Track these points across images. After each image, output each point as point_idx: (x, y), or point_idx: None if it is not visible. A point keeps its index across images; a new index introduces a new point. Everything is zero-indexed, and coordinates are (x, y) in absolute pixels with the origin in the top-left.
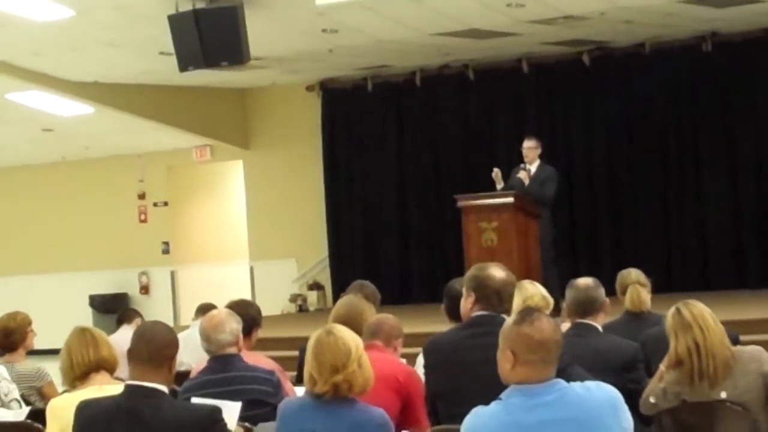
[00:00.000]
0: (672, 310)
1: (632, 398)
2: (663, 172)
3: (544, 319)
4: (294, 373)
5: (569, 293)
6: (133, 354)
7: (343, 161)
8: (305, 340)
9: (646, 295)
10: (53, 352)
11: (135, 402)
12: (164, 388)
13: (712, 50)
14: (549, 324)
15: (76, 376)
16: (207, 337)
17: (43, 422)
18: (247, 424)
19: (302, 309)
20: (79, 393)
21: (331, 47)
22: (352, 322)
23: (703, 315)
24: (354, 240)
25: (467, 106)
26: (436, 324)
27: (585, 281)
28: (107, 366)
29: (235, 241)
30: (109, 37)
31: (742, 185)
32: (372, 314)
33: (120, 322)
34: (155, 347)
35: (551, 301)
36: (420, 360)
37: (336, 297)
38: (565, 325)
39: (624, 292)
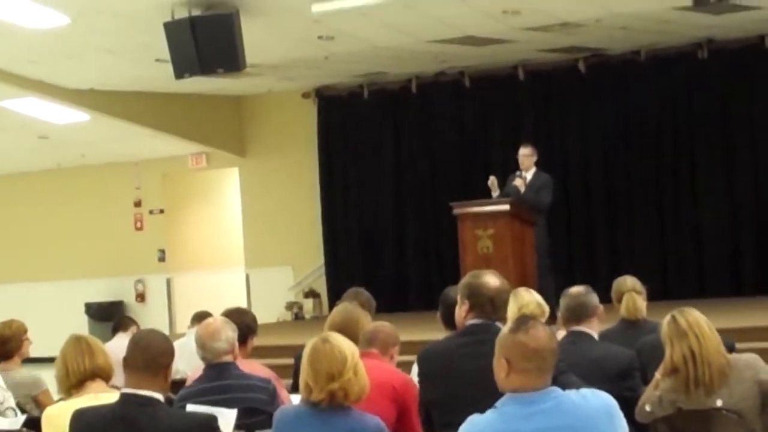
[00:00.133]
0: (667, 317)
1: (628, 406)
2: (659, 179)
3: (540, 328)
4: (290, 381)
5: (562, 301)
6: (128, 362)
7: (339, 168)
8: (301, 348)
9: (641, 303)
10: (49, 360)
11: (130, 410)
12: (160, 396)
13: (708, 57)
14: (544, 332)
15: (72, 385)
16: (203, 345)
17: (39, 430)
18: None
19: (298, 317)
20: (74, 401)
21: (327, 54)
22: (348, 330)
23: (698, 323)
24: (350, 247)
25: (463, 113)
26: (432, 332)
27: (577, 288)
28: (103, 374)
29: (231, 249)
30: (104, 45)
31: (738, 192)
32: (368, 322)
33: (115, 330)
34: (151, 355)
35: (547, 308)
36: (415, 368)
37: (332, 305)
38: (561, 333)
39: (620, 300)
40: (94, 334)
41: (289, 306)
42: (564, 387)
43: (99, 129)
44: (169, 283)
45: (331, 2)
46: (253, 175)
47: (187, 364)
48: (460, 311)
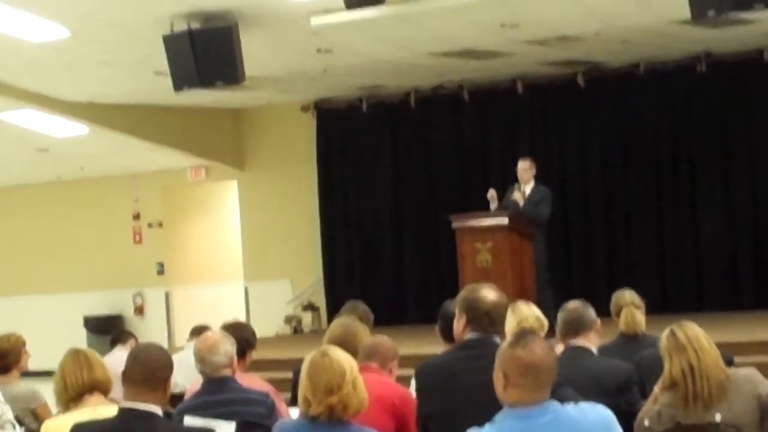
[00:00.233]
0: (666, 332)
1: (626, 420)
2: (657, 192)
3: (538, 343)
4: (289, 395)
5: (559, 316)
6: (127, 376)
7: (338, 181)
8: (300, 361)
9: (640, 317)
10: (47, 374)
11: (129, 424)
12: (158, 410)
13: (706, 70)
14: (542, 348)
15: (70, 398)
16: (201, 359)
17: None
18: None
19: (297, 330)
20: (73, 415)
21: (326, 67)
22: (347, 343)
23: (697, 337)
24: (349, 261)
25: (462, 127)
26: (431, 345)
27: (573, 303)
28: (101, 388)
29: (230, 262)
30: (103, 58)
31: (737, 206)
32: (366, 335)
33: (114, 344)
34: (150, 369)
35: (545, 322)
36: (414, 382)
37: (331, 318)
38: (559, 348)
39: (618, 314)
40: (93, 347)
41: (288, 319)
42: (561, 400)
43: (98, 142)
44: (167, 296)
45: (330, 15)
46: (252, 188)
47: (186, 377)
48: (458, 325)
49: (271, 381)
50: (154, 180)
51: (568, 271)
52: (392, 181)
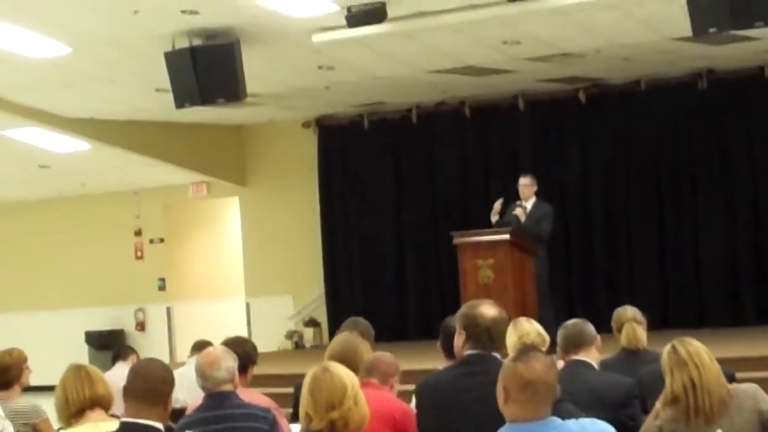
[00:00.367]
0: (668, 347)
1: None
2: (659, 209)
3: (540, 360)
4: (290, 410)
5: (559, 333)
6: (128, 391)
7: (340, 198)
8: (301, 377)
9: (642, 333)
10: (49, 389)
11: None
12: (160, 425)
13: (707, 87)
14: (542, 365)
15: (72, 414)
16: (203, 374)
17: None
18: None
19: (298, 346)
20: (74, 430)
21: (328, 84)
22: (348, 359)
23: (698, 352)
24: (350, 276)
25: (463, 143)
26: (433, 361)
27: (573, 320)
28: (102, 403)
29: (231, 278)
30: (105, 74)
31: (739, 222)
32: (367, 351)
33: (115, 359)
34: (151, 384)
35: (547, 338)
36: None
37: (332, 334)
38: (560, 364)
39: (620, 330)
40: (94, 362)
41: (290, 335)
42: (561, 416)
43: (100, 158)
44: (169, 312)
45: (332, 32)
46: (253, 205)
47: (188, 393)
48: (458, 341)
49: (273, 396)
50: (156, 196)
51: (569, 287)
52: (394, 197)
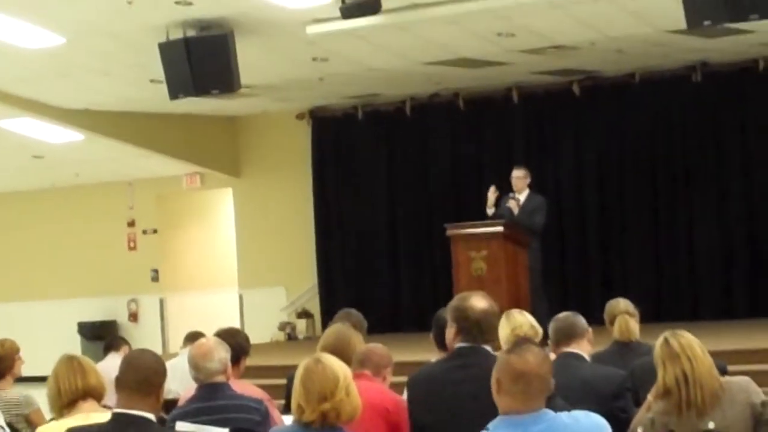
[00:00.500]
0: (660, 340)
1: (620, 427)
2: (652, 201)
3: (533, 352)
4: (282, 402)
5: (551, 326)
6: (120, 382)
7: (333, 189)
8: (294, 368)
9: (634, 325)
10: (41, 380)
11: (122, 430)
12: (152, 416)
13: (702, 80)
14: (536, 358)
15: (64, 404)
16: (195, 366)
17: None
18: None
19: (291, 337)
20: (66, 421)
21: (322, 75)
22: (341, 351)
23: (691, 345)
24: (343, 268)
25: (457, 135)
26: (425, 353)
27: (564, 313)
28: (95, 394)
29: (225, 269)
30: (99, 65)
31: (732, 215)
32: (360, 343)
33: (107, 350)
34: (143, 375)
35: (540, 330)
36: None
37: (325, 325)
38: (552, 357)
39: (612, 322)
40: (87, 353)
41: (282, 326)
42: (553, 410)
43: (93, 149)
44: (162, 302)
45: (326, 24)
46: (247, 196)
47: (180, 384)
48: (449, 334)
49: (265, 387)
50: (149, 187)
51: (562, 280)
52: (387, 189)
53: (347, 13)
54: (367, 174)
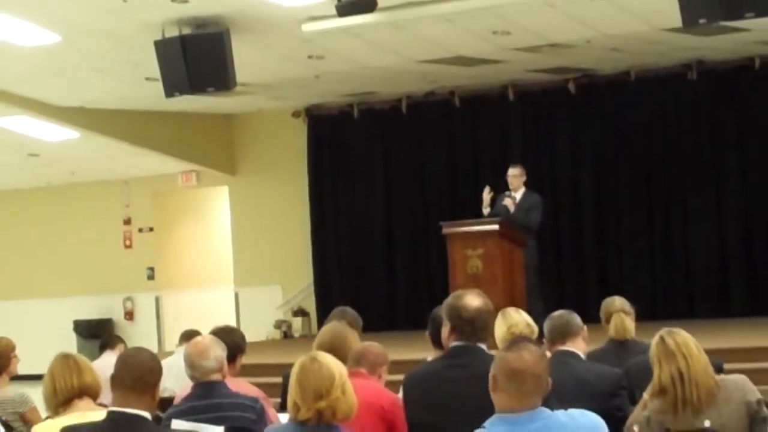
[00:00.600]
0: (656, 338)
1: (616, 425)
2: (648, 199)
3: (530, 350)
4: (278, 400)
5: (545, 325)
6: (116, 380)
7: (329, 187)
8: (290, 366)
9: (630, 323)
10: (37, 378)
11: (118, 428)
12: (147, 415)
13: (697, 78)
14: (531, 356)
15: (59, 403)
16: (191, 364)
17: None
18: None
19: (287, 335)
20: (62, 419)
21: (318, 73)
22: (337, 349)
23: (686, 343)
24: (339, 266)
25: (453, 133)
26: (421, 351)
27: (559, 311)
28: (90, 392)
29: (220, 267)
30: (95, 63)
31: (728, 213)
32: (356, 341)
33: (103, 348)
34: (139, 374)
35: (536, 328)
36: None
37: (321, 323)
38: (548, 355)
39: (608, 320)
40: (83, 351)
41: (278, 324)
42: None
43: (89, 147)
44: (158, 301)
45: (322, 22)
46: (242, 194)
47: (176, 382)
48: (444, 332)
49: (261, 386)
50: (145, 185)
51: (559, 278)
52: (383, 187)
53: (343, 11)
54: (363, 172)
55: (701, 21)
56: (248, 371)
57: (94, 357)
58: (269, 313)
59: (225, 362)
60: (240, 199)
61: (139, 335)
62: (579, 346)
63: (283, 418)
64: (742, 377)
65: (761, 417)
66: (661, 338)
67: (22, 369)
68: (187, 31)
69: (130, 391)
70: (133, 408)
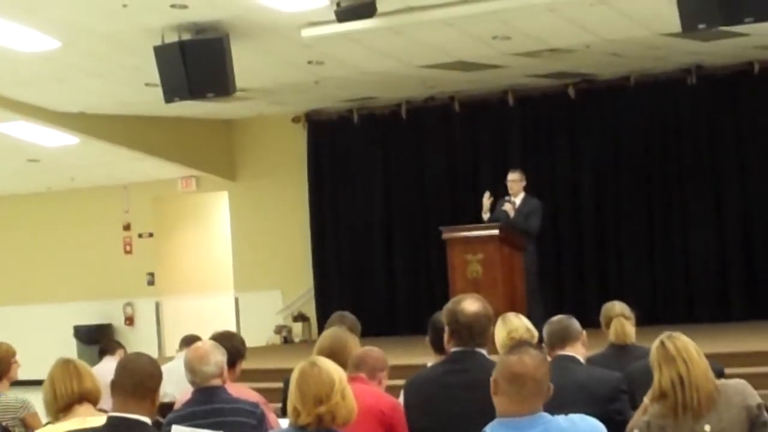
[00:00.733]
0: (656, 342)
1: (616, 429)
2: (647, 204)
3: (531, 355)
4: (279, 405)
5: (545, 330)
6: (116, 386)
7: (329, 193)
8: (290, 371)
9: (630, 328)
10: (37, 383)
11: None
12: (147, 420)
13: (697, 83)
14: (532, 360)
15: (60, 408)
16: (191, 369)
17: None
18: None
19: (287, 340)
20: (62, 425)
21: (317, 79)
22: (337, 354)
23: (687, 348)
24: (339, 271)
25: (453, 138)
26: (421, 356)
27: (558, 316)
28: (91, 398)
29: (220, 273)
30: (94, 68)
31: (728, 217)
32: (356, 346)
33: (102, 354)
34: (139, 379)
35: (536, 333)
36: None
37: (321, 328)
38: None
39: (608, 325)
40: (83, 357)
41: (278, 329)
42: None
43: (89, 152)
44: (158, 306)
45: (321, 27)
46: (242, 199)
47: (176, 387)
48: (445, 337)
49: (262, 391)
50: (145, 190)
51: (558, 282)
52: (383, 192)
53: (342, 16)
54: (362, 177)
55: (700, 26)
56: (248, 376)
57: (94, 362)
58: (269, 318)
59: (225, 367)
60: (240, 204)
61: (140, 340)
62: (579, 351)
63: (284, 423)
64: (742, 382)
65: (761, 421)
66: (662, 343)
67: (22, 374)
68: (186, 36)
69: (130, 397)
70: (133, 413)
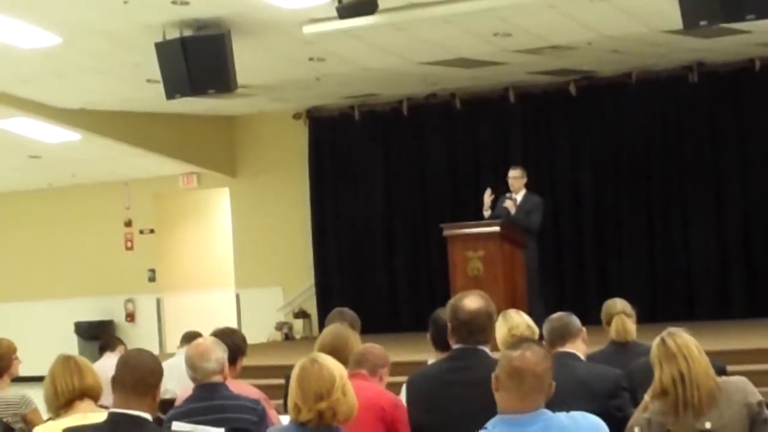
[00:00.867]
0: (657, 339)
1: (617, 427)
2: (648, 201)
3: (533, 351)
4: (280, 401)
5: (545, 327)
6: (117, 382)
7: (330, 189)
8: (291, 368)
9: (631, 325)
10: (38, 380)
11: (119, 430)
12: (148, 416)
13: (698, 80)
14: (533, 356)
15: (61, 404)
16: (192, 366)
17: None
18: None
19: (288, 337)
20: (63, 421)
21: (319, 75)
22: (338, 350)
23: (687, 345)
24: (340, 268)
25: (454, 135)
26: (423, 353)
27: (558, 313)
28: (91, 394)
29: (221, 269)
30: (96, 65)
31: (729, 214)
32: (357, 343)
33: (103, 350)
34: (139, 375)
35: (537, 330)
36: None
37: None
38: None
39: (609, 322)
40: (84, 353)
41: (279, 326)
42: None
43: (90, 149)
44: (159, 302)
45: (323, 24)
46: (243, 196)
47: (177, 384)
48: (449, 334)
49: (263, 387)
50: (146, 187)
51: (559, 280)
52: (384, 189)
53: (344, 12)
54: (363, 174)
55: (702, 23)
56: (249, 373)
57: (95, 359)
58: (270, 314)
59: (226, 364)
60: (241, 200)
61: (140, 337)
62: (579, 348)
63: (285, 419)
64: (743, 379)
65: (762, 419)
66: (662, 340)
67: (23, 371)
68: (188, 32)
69: (131, 393)
70: (134, 409)
